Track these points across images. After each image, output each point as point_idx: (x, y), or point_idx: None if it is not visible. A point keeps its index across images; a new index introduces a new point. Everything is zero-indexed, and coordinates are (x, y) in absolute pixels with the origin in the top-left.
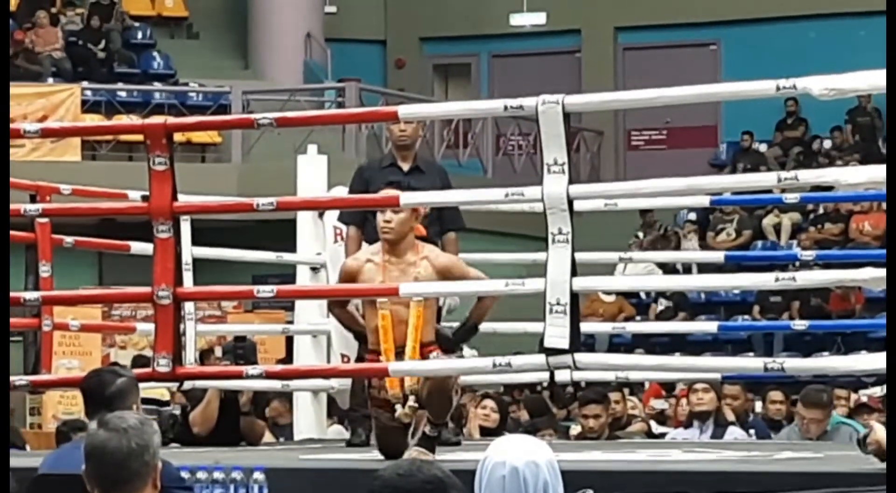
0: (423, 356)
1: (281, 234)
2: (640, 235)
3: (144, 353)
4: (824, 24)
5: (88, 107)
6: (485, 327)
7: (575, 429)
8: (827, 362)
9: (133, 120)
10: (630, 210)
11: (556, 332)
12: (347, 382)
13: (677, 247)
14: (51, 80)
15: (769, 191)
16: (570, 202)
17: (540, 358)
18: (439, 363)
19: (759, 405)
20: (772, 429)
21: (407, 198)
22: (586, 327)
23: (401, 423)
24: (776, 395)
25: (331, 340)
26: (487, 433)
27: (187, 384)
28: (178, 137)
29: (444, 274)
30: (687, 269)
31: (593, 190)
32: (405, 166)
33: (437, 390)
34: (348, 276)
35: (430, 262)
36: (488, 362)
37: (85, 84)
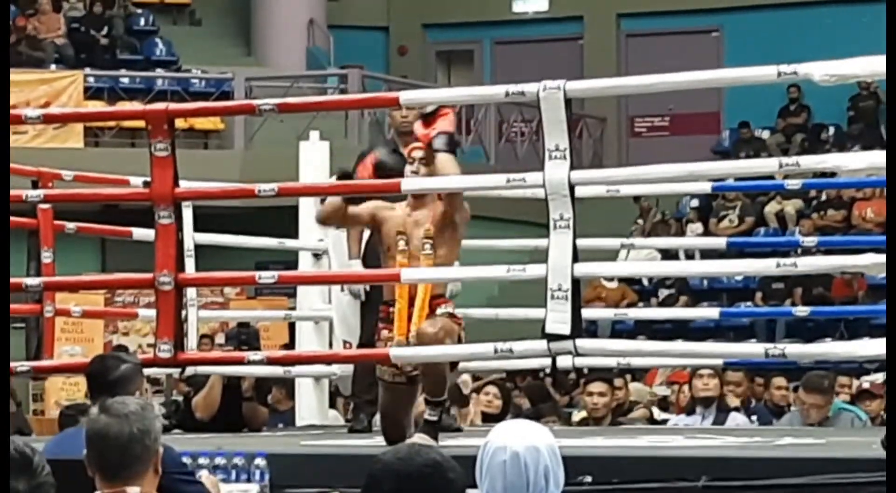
0: (432, 310)
1: (283, 220)
2: (641, 221)
3: (122, 343)
4: (827, 11)
5: (91, 93)
6: (486, 312)
7: (577, 415)
8: (829, 348)
9: (135, 106)
10: (632, 196)
11: (558, 318)
12: (349, 368)
13: (678, 233)
14: (53, 66)
15: (771, 177)
16: (572, 188)
17: (541, 344)
18: (440, 349)
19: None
20: (775, 415)
21: (409, 183)
22: (588, 313)
23: (405, 380)
24: (780, 381)
25: (333, 326)
26: (490, 419)
27: (189, 370)
28: (180, 123)
29: (445, 207)
30: (689, 255)
31: (595, 176)
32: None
33: (429, 366)
34: (377, 206)
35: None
36: (490, 347)
37: (87, 70)
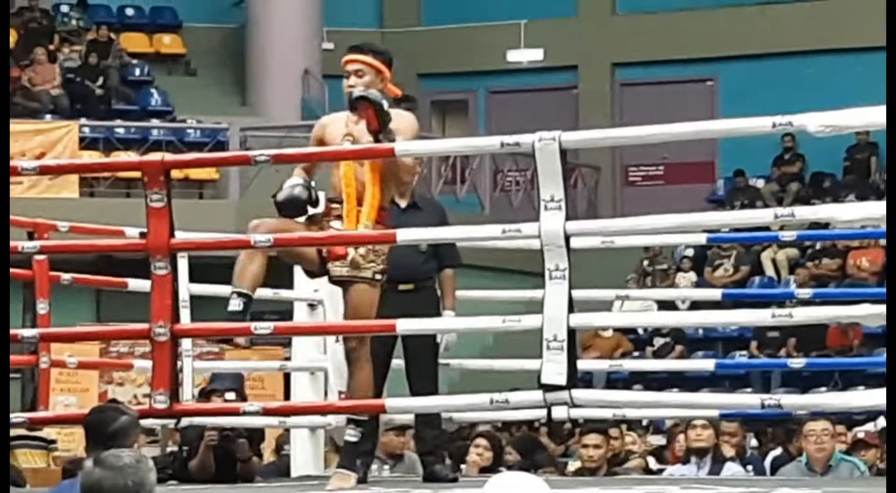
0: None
1: (278, 270)
2: (648, 264)
3: (118, 393)
4: (821, 60)
5: (86, 144)
6: (482, 364)
7: (573, 465)
8: (824, 399)
9: (131, 157)
10: (628, 247)
11: (554, 368)
12: (344, 418)
13: (674, 283)
14: (49, 117)
15: (766, 228)
16: (567, 239)
17: (537, 394)
18: (434, 401)
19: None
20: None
21: (403, 234)
22: (584, 363)
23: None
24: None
25: (328, 376)
26: (483, 470)
27: (184, 421)
28: (175, 173)
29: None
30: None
31: (590, 227)
32: (402, 203)
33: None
34: (318, 130)
35: None
36: (486, 398)
37: (83, 121)
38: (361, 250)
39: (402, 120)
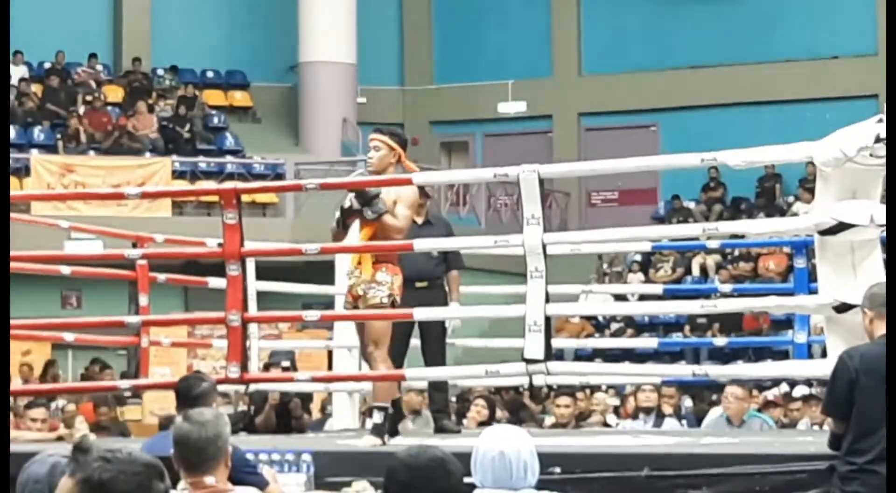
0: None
1: (324, 271)
2: (607, 267)
3: (200, 365)
4: (738, 111)
5: (177, 175)
6: (480, 343)
7: (548, 421)
8: (741, 370)
9: (211, 185)
10: (590, 254)
11: (534, 346)
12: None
13: (626, 281)
14: (148, 154)
15: (696, 238)
16: (544, 247)
17: (521, 366)
18: (445, 371)
19: (688, 402)
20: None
21: (420, 244)
22: (557, 342)
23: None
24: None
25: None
26: (480, 424)
27: (252, 387)
28: (244, 198)
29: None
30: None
31: (561, 238)
32: (419, 220)
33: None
34: None
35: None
36: (482, 369)
37: (174, 157)
38: (363, 287)
39: (405, 190)
